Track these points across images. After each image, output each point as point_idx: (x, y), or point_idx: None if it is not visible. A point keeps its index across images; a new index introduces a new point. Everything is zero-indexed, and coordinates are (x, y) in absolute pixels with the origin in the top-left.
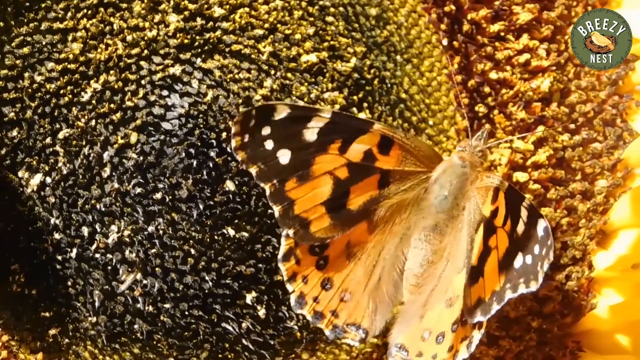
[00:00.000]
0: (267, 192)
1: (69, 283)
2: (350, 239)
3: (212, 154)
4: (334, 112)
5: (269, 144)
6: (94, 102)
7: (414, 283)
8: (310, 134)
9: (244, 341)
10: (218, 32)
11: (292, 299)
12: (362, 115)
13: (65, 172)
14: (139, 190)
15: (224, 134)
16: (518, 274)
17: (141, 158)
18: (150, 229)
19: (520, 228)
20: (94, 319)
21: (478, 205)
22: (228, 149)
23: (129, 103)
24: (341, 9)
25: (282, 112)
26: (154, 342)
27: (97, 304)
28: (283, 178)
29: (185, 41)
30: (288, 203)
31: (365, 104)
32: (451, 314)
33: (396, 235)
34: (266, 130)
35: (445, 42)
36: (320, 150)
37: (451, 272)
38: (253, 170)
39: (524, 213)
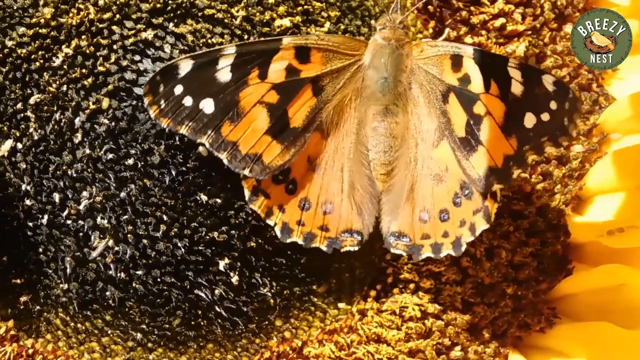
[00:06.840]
0: (207, 146)
1: (40, 250)
2: (309, 154)
3: None
4: (237, 45)
5: (188, 101)
6: (65, 67)
7: (384, 172)
8: (224, 75)
9: (217, 308)
10: None
11: (277, 231)
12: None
13: (36, 137)
14: (110, 156)
15: None
16: (535, 133)
17: (113, 123)
18: (122, 195)
19: (517, 88)
20: (66, 286)
21: (433, 75)
22: None
23: (100, 68)
24: None
25: (186, 66)
26: (126, 309)
27: (68, 270)
28: (216, 126)
29: (158, 5)
30: (232, 147)
31: None
32: (446, 188)
33: (351, 133)
34: (179, 89)
35: (419, 6)
36: (240, 85)
37: (425, 148)
38: (184, 131)
39: (515, 73)
